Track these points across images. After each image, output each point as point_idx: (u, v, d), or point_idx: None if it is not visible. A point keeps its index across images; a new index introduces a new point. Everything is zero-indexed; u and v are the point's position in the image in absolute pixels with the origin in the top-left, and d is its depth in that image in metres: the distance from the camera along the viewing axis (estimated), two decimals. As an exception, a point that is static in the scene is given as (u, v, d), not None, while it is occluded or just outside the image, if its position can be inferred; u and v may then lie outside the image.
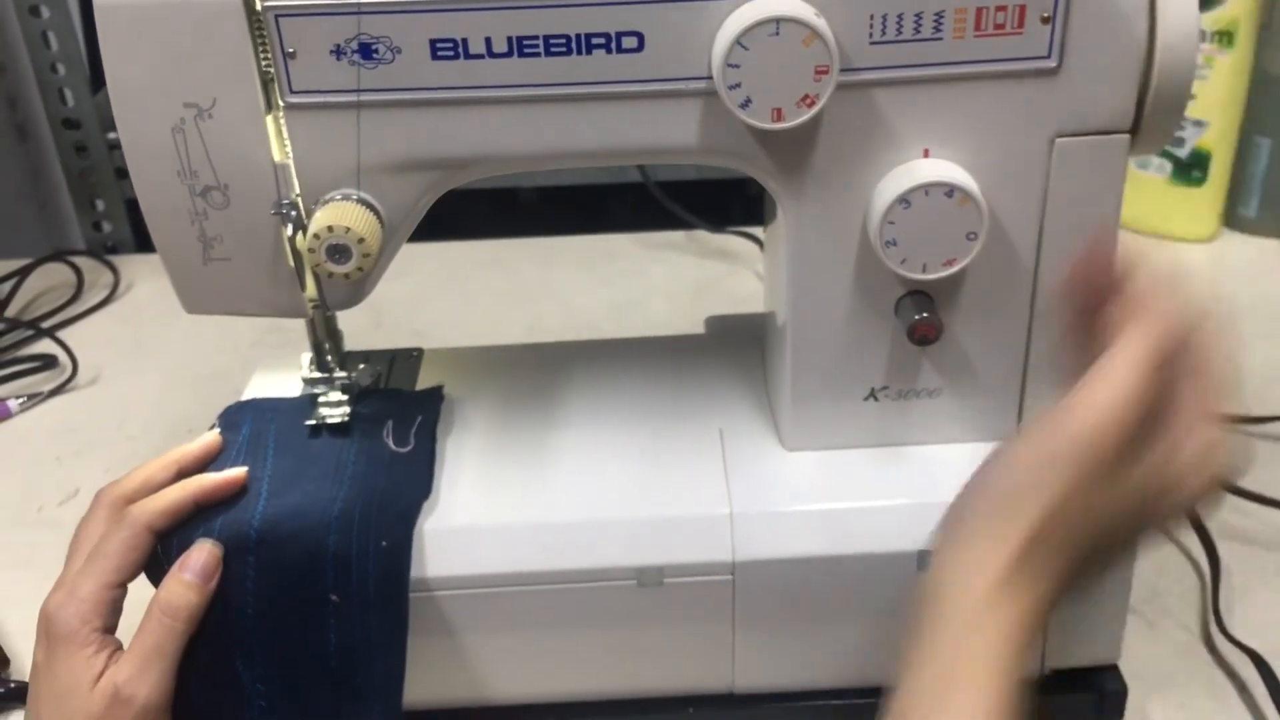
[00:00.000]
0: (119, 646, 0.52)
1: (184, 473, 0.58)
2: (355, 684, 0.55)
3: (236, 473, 0.57)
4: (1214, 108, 0.98)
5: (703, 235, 1.08)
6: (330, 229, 0.51)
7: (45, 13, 1.06)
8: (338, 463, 0.59)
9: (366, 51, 0.50)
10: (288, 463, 0.59)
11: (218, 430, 0.61)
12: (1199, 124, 0.99)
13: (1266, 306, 0.95)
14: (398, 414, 0.62)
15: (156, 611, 0.53)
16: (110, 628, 0.53)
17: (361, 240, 0.52)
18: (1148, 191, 1.03)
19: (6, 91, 1.26)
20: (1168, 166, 1.01)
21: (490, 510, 0.58)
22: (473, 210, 1.19)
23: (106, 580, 0.52)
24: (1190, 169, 1.01)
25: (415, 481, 0.59)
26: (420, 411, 0.63)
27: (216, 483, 0.56)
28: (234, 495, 0.57)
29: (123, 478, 0.57)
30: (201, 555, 0.54)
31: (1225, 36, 0.95)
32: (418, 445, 0.61)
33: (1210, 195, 1.02)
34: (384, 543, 0.56)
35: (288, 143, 0.53)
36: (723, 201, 1.11)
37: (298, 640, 0.55)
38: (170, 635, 0.52)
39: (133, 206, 1.15)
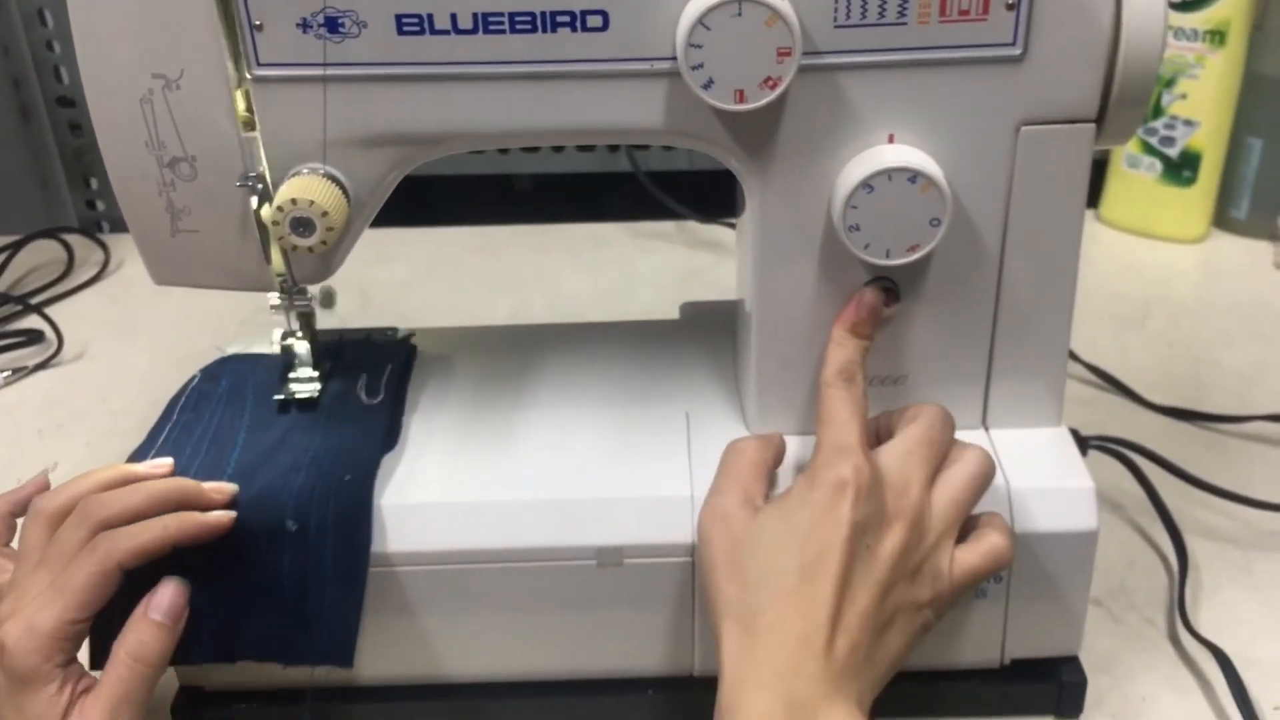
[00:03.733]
0: (82, 674, 0.51)
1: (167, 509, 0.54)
2: (305, 612, 0.55)
3: (224, 516, 0.54)
4: (1205, 107, 0.97)
5: (692, 225, 1.08)
6: (294, 202, 0.52)
7: (43, -10, 1.06)
8: (313, 416, 0.62)
9: (333, 25, 0.51)
10: (265, 413, 0.61)
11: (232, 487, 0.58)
12: (1190, 124, 0.99)
13: (1253, 307, 0.95)
14: (369, 366, 0.65)
15: (125, 657, 0.50)
16: (71, 659, 0.50)
17: (325, 214, 0.52)
18: (1137, 191, 1.02)
19: (11, 71, 1.26)
20: (1158, 166, 1.01)
21: (452, 487, 0.58)
22: (467, 196, 1.20)
23: (71, 616, 0.49)
24: (1180, 169, 1.00)
25: (383, 430, 0.61)
26: (391, 360, 0.65)
27: (199, 526, 0.53)
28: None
29: (109, 497, 0.53)
30: (170, 593, 0.52)
31: (1217, 36, 0.95)
32: (387, 395, 0.63)
33: (1200, 196, 1.01)
34: (347, 476, 0.57)
35: (255, 115, 0.53)
36: (713, 192, 1.11)
37: (250, 566, 0.55)
38: (141, 682, 0.50)
39: (127, 185, 1.15)
